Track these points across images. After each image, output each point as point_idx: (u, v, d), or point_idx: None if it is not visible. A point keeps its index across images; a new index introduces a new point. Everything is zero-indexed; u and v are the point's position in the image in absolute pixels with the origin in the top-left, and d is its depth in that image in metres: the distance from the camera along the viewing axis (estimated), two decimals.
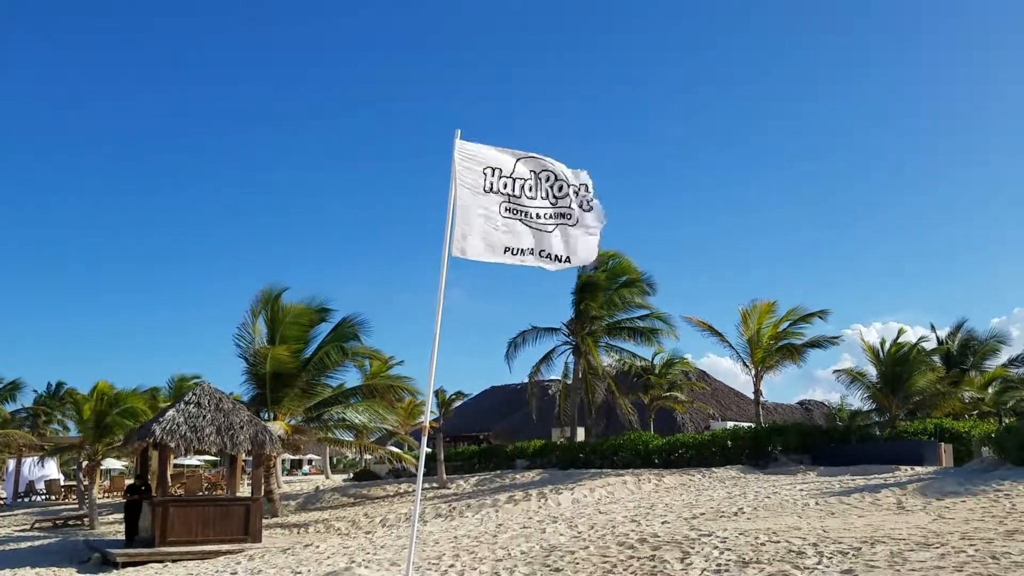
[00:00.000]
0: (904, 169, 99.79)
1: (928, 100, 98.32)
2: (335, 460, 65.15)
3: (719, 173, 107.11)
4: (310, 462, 67.53)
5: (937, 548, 9.58)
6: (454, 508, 19.90)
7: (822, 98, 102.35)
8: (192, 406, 17.53)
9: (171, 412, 17.43)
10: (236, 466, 20.55)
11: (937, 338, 36.54)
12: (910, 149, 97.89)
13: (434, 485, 25.95)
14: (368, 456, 31.59)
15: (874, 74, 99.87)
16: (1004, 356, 35.51)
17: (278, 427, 22.33)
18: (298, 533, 19.64)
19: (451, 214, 7.47)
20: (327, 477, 49.57)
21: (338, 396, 26.33)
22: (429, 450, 30.68)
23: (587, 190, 8.13)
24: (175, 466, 38.08)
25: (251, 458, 21.19)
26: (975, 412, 31.09)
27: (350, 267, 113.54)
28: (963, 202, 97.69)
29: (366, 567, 12.06)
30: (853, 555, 9.50)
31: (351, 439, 26.67)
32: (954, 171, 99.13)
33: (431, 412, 37.67)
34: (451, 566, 11.16)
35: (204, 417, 17.32)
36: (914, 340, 29.31)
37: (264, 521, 18.73)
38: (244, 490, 24.14)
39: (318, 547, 15.55)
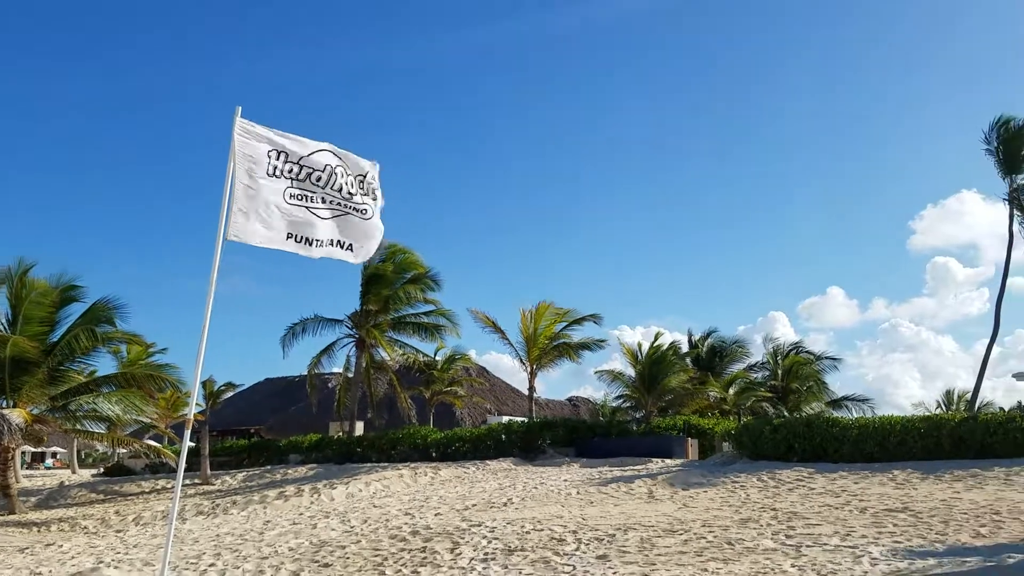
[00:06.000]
0: (665, 183, 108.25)
1: (682, 110, 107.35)
2: (84, 454, 59.96)
3: (510, 176, 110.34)
4: (55, 455, 61.84)
5: (681, 535, 10.50)
6: (218, 505, 18.98)
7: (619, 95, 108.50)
8: None
9: None
10: None
11: (690, 342, 39.99)
12: (661, 163, 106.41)
13: (196, 481, 24.58)
14: (122, 450, 29.27)
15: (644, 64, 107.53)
16: (746, 360, 39.64)
17: (17, 416, 20.14)
18: (38, 532, 17.82)
19: (228, 195, 7.08)
20: (74, 472, 45.61)
21: (89, 384, 24.08)
22: (192, 444, 28.97)
23: (374, 180, 8.05)
24: None
25: None
26: (718, 410, 34.36)
27: (119, 247, 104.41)
28: (723, 217, 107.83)
29: (116, 567, 11.17)
30: (608, 541, 10.18)
31: (103, 431, 24.54)
32: (708, 184, 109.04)
33: (197, 404, 35.71)
34: (211, 565, 10.62)
35: None
36: (670, 343, 31.91)
37: None
38: None
39: (61, 547, 14.22)
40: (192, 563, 10.84)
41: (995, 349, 32.29)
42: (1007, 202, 26.28)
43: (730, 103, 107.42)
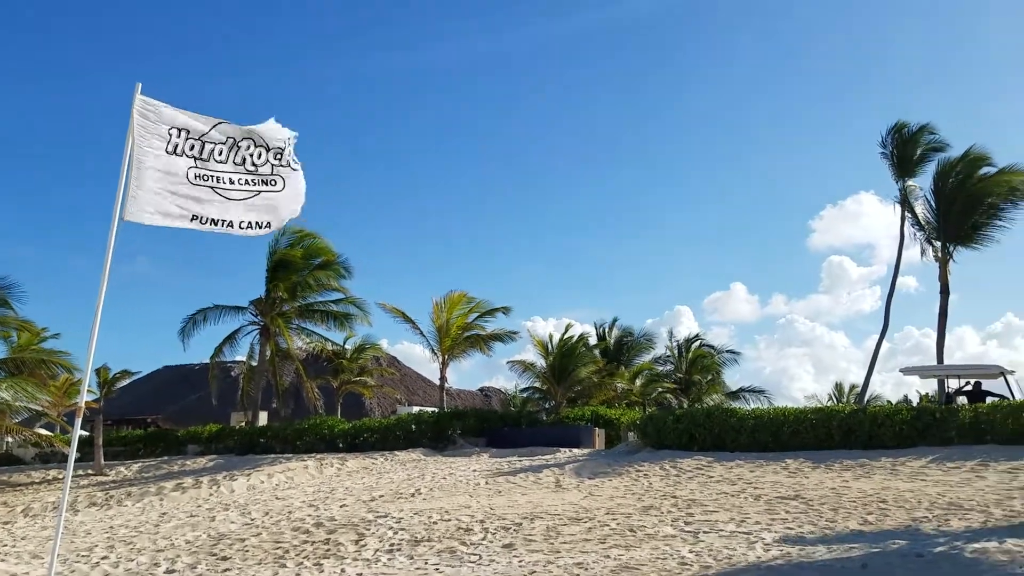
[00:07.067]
0: (581, 180, 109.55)
1: (578, 107, 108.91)
2: None
3: (423, 167, 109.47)
4: None
5: (586, 523, 10.69)
6: (112, 496, 18.26)
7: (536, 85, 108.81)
8: None
9: None
10: None
11: (599, 334, 40.64)
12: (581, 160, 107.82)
13: (89, 472, 23.57)
14: (10, 439, 27.73)
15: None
16: (652, 353, 40.57)
17: None
18: None
19: (126, 173, 6.78)
20: None
21: None
22: (86, 433, 27.72)
23: (288, 149, 7.76)
24: None
25: None
26: (625, 401, 35.06)
27: (7, 224, 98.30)
28: (635, 215, 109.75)
29: (2, 560, 10.64)
30: (514, 530, 10.27)
31: None
32: (620, 182, 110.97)
33: (91, 391, 33.92)
34: (104, 558, 10.24)
35: None
36: (580, 335, 32.35)
37: None
38: None
39: None
40: (84, 556, 10.43)
41: (884, 345, 33.92)
42: (899, 204, 27.62)
43: (633, 104, 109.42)
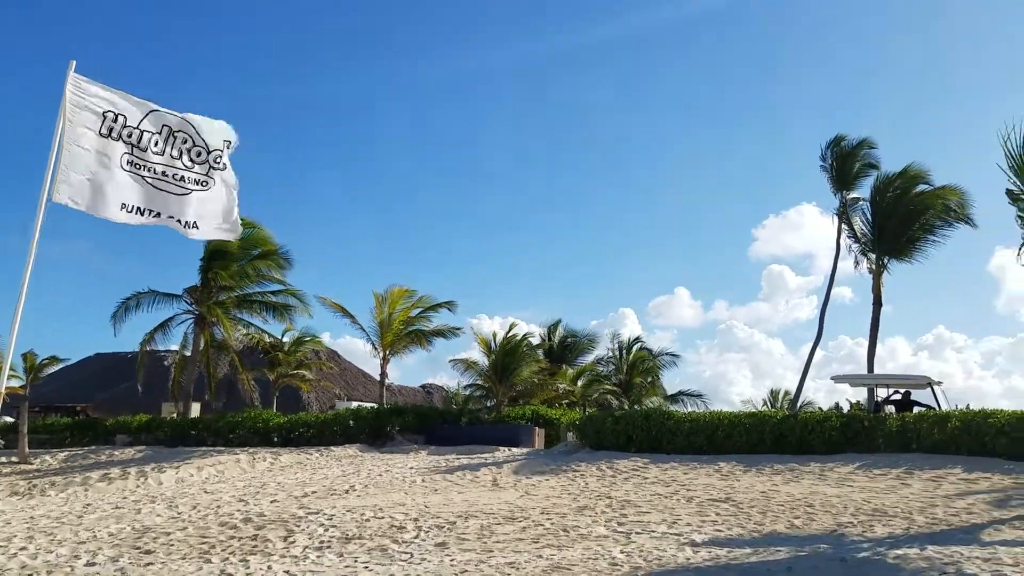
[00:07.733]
0: (536, 186, 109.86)
1: (557, 111, 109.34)
2: None
3: (376, 160, 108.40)
4: None
5: (520, 522, 10.70)
6: (35, 485, 17.68)
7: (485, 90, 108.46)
8: None
9: None
10: None
11: (542, 335, 40.78)
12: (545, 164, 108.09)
13: (13, 460, 22.76)
14: None
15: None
16: (594, 353, 40.88)
17: None
18: None
19: (55, 154, 6.54)
20: None
21: None
22: (11, 420, 26.81)
23: (224, 148, 7.62)
24: None
25: None
26: (567, 401, 35.23)
27: None
28: (584, 218, 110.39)
29: None
30: (448, 529, 10.22)
31: None
32: (579, 188, 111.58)
33: (17, 377, 32.69)
34: (22, 549, 9.88)
35: None
36: (523, 334, 32.40)
37: None
38: None
39: None
40: (1, 546, 10.05)
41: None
42: (837, 216, 28.32)
43: (580, 108, 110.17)
